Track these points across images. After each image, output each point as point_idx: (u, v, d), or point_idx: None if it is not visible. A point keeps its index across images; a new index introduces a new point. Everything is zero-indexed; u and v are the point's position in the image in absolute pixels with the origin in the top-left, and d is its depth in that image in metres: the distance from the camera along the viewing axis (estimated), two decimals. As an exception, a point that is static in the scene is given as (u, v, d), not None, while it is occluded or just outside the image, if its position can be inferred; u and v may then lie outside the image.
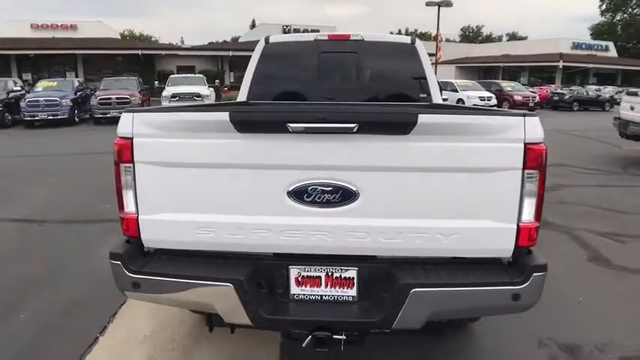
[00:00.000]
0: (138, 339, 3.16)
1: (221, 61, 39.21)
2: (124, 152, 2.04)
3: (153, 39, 56.05)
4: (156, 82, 25.19)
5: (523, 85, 32.42)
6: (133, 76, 21.31)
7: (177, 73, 24.96)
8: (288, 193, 1.99)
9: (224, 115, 1.91)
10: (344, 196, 1.98)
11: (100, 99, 17.37)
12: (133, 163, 2.03)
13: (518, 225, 2.03)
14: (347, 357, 2.22)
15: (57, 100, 16.65)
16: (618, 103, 26.15)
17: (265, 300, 2.06)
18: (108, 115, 16.66)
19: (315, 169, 1.97)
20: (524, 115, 1.99)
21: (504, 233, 2.04)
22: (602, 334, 3.20)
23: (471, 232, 2.03)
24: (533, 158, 1.97)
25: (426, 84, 4.22)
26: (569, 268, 4.28)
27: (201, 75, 22.64)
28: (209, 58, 38.27)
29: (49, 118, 16.33)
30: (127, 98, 17.23)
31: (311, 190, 1.97)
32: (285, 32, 41.62)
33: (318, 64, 4.26)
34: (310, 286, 2.12)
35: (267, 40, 4.25)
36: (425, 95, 4.22)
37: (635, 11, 53.84)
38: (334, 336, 1.99)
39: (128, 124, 2.03)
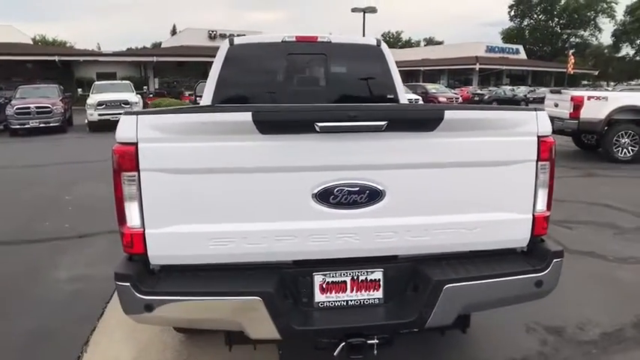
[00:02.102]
0: (121, 368, 2.88)
1: (144, 68, 37.57)
2: (127, 159, 1.83)
3: (68, 45, 52.37)
4: (79, 90, 23.52)
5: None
6: (52, 84, 19.72)
7: (98, 80, 23.42)
8: (313, 195, 1.90)
9: (246, 116, 1.78)
10: (371, 196, 1.93)
11: (17, 108, 15.77)
12: (138, 171, 1.83)
13: (533, 215, 2.09)
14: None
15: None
16: (531, 101, 28.58)
17: (292, 311, 1.94)
18: (27, 126, 15.31)
19: (341, 170, 1.89)
20: (535, 109, 2.07)
21: (522, 224, 2.10)
22: (578, 314, 3.40)
23: (492, 224, 2.06)
24: (545, 150, 2.05)
25: (393, 85, 4.28)
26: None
27: (128, 81, 21.44)
28: (131, 64, 36.56)
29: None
30: (49, 107, 15.89)
31: (337, 191, 1.90)
32: (211, 37, 40.81)
33: (286, 66, 4.18)
34: (335, 292, 2.03)
35: (231, 41, 4.09)
36: (392, 96, 4.29)
37: (540, 17, 58.88)
38: (368, 341, 1.93)
39: (131, 128, 1.82)
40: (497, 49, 47.57)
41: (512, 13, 60.17)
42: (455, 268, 2.02)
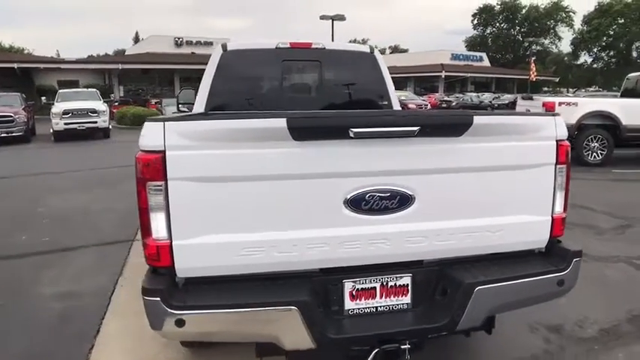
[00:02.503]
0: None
1: (109, 75, 36.63)
2: (154, 168, 1.75)
3: (26, 52, 50.41)
4: (43, 99, 22.64)
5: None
6: (12, 92, 18.91)
7: (60, 88, 22.63)
8: (345, 202, 1.88)
9: (280, 122, 1.75)
10: (401, 201, 1.93)
11: (-24, 118, 15.10)
12: (166, 180, 1.76)
13: (552, 217, 2.15)
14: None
15: None
16: (496, 107, 29.49)
17: (325, 319, 1.91)
18: (-12, 136, 14.63)
19: (373, 176, 1.89)
20: (553, 115, 2.12)
21: (542, 225, 2.14)
22: (575, 312, 3.50)
23: (514, 226, 2.10)
24: (563, 154, 2.11)
25: (387, 91, 4.33)
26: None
27: (94, 89, 20.82)
28: (94, 71, 35.61)
29: None
30: (11, 116, 15.25)
31: (369, 197, 1.89)
32: (177, 44, 40.24)
33: (281, 73, 4.16)
34: (365, 299, 2.02)
35: (224, 47, 4.04)
36: (385, 102, 4.33)
37: (502, 25, 61.01)
38: (402, 346, 1.92)
39: (157, 135, 1.75)
40: (461, 57, 48.89)
41: (476, 21, 62.13)
42: (481, 271, 2.05)
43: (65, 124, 16.20)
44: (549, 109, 9.51)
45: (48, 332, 3.30)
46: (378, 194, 1.89)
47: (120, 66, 34.60)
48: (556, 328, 3.30)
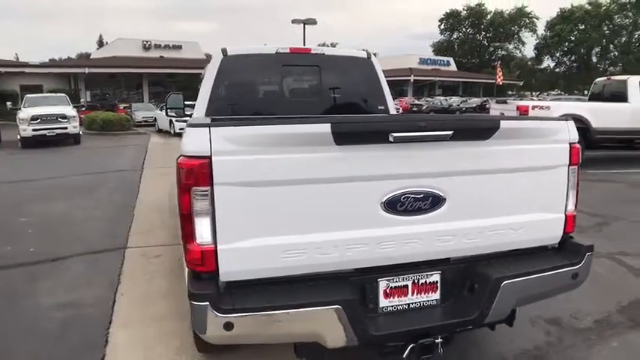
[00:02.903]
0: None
1: (75, 79, 35.62)
2: (199, 174, 1.78)
3: (-18, 55, 48.39)
4: (8, 104, 21.80)
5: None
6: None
7: (23, 93, 21.87)
8: (382, 203, 1.96)
9: (324, 127, 1.82)
10: (433, 202, 2.03)
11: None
12: (212, 185, 1.79)
13: (565, 214, 2.29)
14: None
15: None
16: (464, 111, 30.32)
17: (365, 317, 1.98)
18: (-50, 144, 13.98)
19: (407, 178, 1.98)
20: (566, 119, 2.27)
21: (556, 222, 2.29)
22: (569, 306, 3.69)
23: (533, 224, 2.24)
24: (575, 155, 2.26)
25: (383, 96, 4.45)
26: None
27: (63, 94, 20.20)
28: (58, 75, 34.48)
29: None
30: (-25, 123, 14.63)
31: (404, 198, 1.98)
32: (145, 48, 39.50)
33: (281, 78, 4.22)
34: (398, 297, 2.11)
35: (224, 52, 4.06)
36: (382, 107, 4.45)
37: (468, 30, 62.78)
38: (435, 340, 2.01)
39: (203, 140, 1.78)
40: (429, 61, 49.96)
41: (442, 26, 63.71)
42: (505, 266, 2.17)
43: (34, 130, 15.67)
44: (523, 113, 9.89)
45: (55, 343, 3.23)
46: (412, 196, 1.99)
47: (86, 70, 33.68)
48: (554, 320, 3.48)
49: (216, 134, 1.79)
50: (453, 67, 52.25)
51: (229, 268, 1.87)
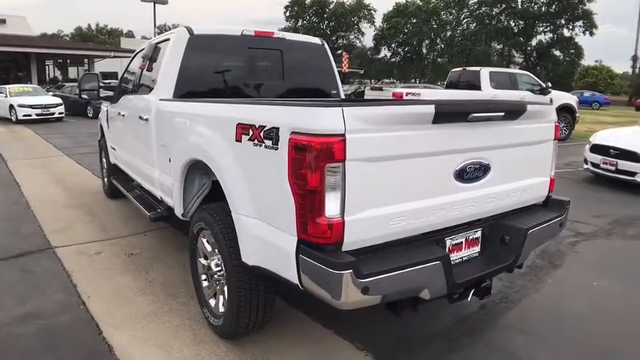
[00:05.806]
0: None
1: None
2: (335, 150, 1.91)
3: None
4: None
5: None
6: None
7: None
8: (454, 173, 2.34)
9: (430, 108, 2.11)
10: (485, 170, 2.48)
11: None
12: (344, 161, 1.94)
13: (550, 178, 2.97)
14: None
15: None
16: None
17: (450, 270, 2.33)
18: None
19: (471, 151, 2.39)
20: (551, 104, 2.93)
21: (545, 184, 2.95)
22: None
23: (534, 186, 2.86)
24: (557, 132, 2.95)
25: (336, 81, 4.79)
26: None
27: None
28: None
29: None
30: None
31: (469, 168, 2.39)
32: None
33: (247, 60, 4.25)
34: (456, 252, 2.52)
35: (190, 31, 3.92)
36: (335, 91, 4.80)
37: (312, 19, 65.58)
38: (483, 285, 2.51)
39: (337, 119, 1.91)
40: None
41: (288, 13, 65.44)
42: (523, 220, 2.74)
43: None
44: (398, 98, 11.10)
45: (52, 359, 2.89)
46: (473, 166, 2.41)
47: None
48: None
49: (348, 113, 1.93)
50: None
51: (351, 238, 2.03)
